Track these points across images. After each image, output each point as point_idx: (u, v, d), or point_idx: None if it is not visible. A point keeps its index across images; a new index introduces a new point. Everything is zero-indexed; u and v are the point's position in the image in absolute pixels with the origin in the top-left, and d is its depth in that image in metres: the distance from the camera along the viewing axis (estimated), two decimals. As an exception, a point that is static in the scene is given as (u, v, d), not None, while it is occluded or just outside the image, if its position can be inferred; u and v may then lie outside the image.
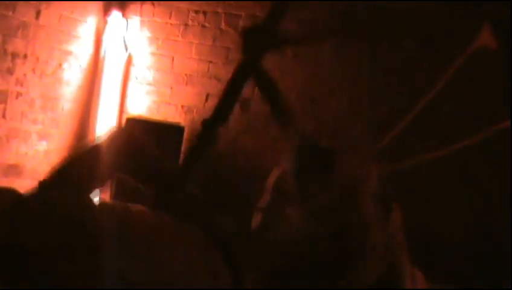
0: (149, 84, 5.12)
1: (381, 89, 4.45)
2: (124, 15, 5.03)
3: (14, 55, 4.30)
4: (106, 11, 4.97)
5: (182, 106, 5.06)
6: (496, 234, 4.47)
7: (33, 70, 4.45)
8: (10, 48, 4.25)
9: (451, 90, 4.39)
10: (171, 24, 5.07)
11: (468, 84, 4.46)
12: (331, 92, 4.80)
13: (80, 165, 2.07)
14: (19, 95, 4.39)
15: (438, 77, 4.33)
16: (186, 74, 5.06)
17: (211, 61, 5.02)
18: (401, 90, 4.56)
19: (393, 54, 4.64)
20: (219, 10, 4.98)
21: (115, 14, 4.98)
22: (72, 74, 4.76)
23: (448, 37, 4.41)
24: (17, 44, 4.29)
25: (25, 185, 2.45)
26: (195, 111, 5.04)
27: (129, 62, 5.05)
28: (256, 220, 2.99)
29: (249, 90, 4.91)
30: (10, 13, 4.18)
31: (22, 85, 4.40)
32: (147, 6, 5.09)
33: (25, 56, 4.37)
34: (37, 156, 4.56)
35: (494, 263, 4.45)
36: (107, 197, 4.62)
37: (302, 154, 2.87)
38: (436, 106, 4.42)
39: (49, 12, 4.47)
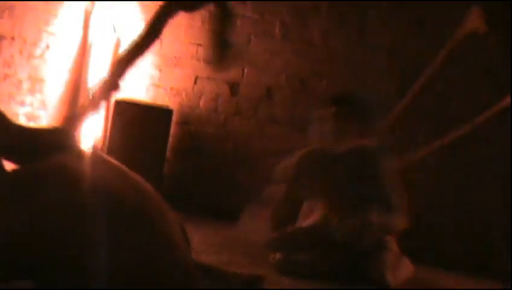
0: (137, 66, 5.08)
1: (371, 70, 4.44)
2: (112, -3, 4.99)
3: (1, 37, 4.26)
4: (94, -7, 4.93)
5: (171, 88, 5.04)
6: (487, 216, 4.49)
7: (20, 52, 4.42)
8: (-3, 31, 4.22)
9: (443, 73, 4.41)
10: (159, 6, 5.03)
11: (460, 65, 4.48)
12: (321, 73, 4.80)
13: None
14: (6, 76, 4.35)
15: (428, 57, 4.34)
16: (175, 57, 5.04)
17: (199, 44, 5.00)
18: (392, 71, 4.57)
19: (383, 34, 4.64)
20: (208, -8, 4.95)
21: (103, -4, 4.94)
22: (60, 56, 4.73)
23: (439, 17, 4.42)
24: (4, 25, 4.25)
25: (12, 165, 2.44)
26: (184, 94, 5.02)
27: (118, 45, 5.02)
28: (273, 191, 3.24)
29: (238, 74, 4.92)
30: (-3, -6, 4.14)
31: (9, 67, 4.36)
32: (135, -12, 5.06)
33: (12, 38, 4.33)
34: (25, 139, 4.52)
35: (485, 245, 4.48)
36: None
37: (339, 106, 3.61)
38: (428, 89, 4.44)
39: (37, -6, 4.43)
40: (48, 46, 4.61)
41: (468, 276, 4.14)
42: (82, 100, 2.54)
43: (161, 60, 5.06)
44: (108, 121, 4.87)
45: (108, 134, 4.82)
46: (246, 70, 4.95)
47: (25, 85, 4.50)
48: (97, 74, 4.93)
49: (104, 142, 4.84)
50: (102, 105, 2.57)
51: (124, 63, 2.64)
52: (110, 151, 4.69)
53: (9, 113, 4.39)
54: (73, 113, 2.51)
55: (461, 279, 4.05)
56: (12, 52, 4.35)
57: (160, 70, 5.08)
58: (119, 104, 4.74)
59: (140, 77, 5.05)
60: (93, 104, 2.55)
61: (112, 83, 2.62)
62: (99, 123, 4.92)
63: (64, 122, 2.55)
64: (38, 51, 4.55)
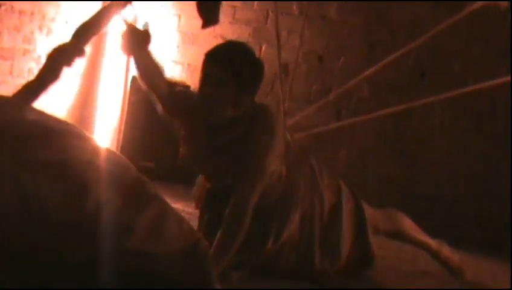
0: (155, 42, 5.10)
1: (389, 49, 4.43)
2: (130, -27, 4.99)
3: (21, 13, 4.29)
4: (112, -31, 4.94)
5: (188, 65, 5.05)
6: (496, 190, 4.50)
7: (40, 27, 4.45)
8: (17, 6, 4.24)
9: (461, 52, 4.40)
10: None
11: (479, 44, 4.46)
12: (338, 50, 4.79)
13: None
14: (26, 52, 4.39)
15: (447, 37, 4.33)
16: (192, 33, 5.05)
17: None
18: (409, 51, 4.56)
19: (402, 13, 4.63)
20: (226, -32, 4.95)
21: (122, -28, 4.94)
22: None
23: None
24: (23, 1, 4.28)
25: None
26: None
27: (135, 21, 5.03)
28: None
29: (255, 51, 4.92)
30: (16, -30, 4.17)
31: (29, 42, 4.40)
32: (153, -36, 5.06)
33: (32, 13, 4.37)
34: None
35: (494, 220, 4.49)
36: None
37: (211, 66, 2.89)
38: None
39: (56, -31, 4.46)
40: (66, 22, 4.64)
41: (485, 258, 4.14)
42: (40, 69, 2.28)
43: (178, 36, 5.08)
44: (125, 98, 4.90)
45: (125, 110, 4.85)
46: (263, 47, 4.95)
47: (44, 60, 4.54)
48: (115, 48, 4.96)
49: (121, 119, 4.88)
50: (63, 73, 2.32)
51: (88, 27, 2.48)
52: (127, 128, 4.73)
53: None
54: (29, 83, 2.28)
55: (478, 261, 4.06)
56: (31, 28, 4.38)
57: (177, 46, 5.10)
58: (136, 80, 4.77)
59: (158, 53, 5.07)
60: (53, 72, 2.33)
61: (76, 48, 2.39)
62: (116, 100, 4.96)
63: (17, 94, 2.31)
64: (56, 27, 4.58)
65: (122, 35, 2.93)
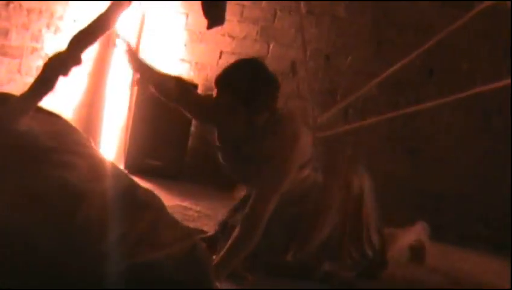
0: (163, 41, 5.11)
1: (396, 48, 4.43)
2: (138, -29, 5.01)
3: (30, 11, 4.30)
4: (120, -33, 4.94)
5: (196, 63, 5.06)
6: (503, 188, 4.49)
7: (48, 25, 4.46)
8: (25, 4, 4.25)
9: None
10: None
11: (488, 44, 4.45)
12: (346, 49, 4.79)
13: None
14: (34, 50, 4.40)
15: (455, 36, 4.31)
16: (200, 32, 5.05)
17: (225, 18, 4.99)
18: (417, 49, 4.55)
19: (409, 12, 4.62)
20: (234, -34, 4.95)
21: (129, -30, 4.95)
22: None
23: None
24: (32, 0, 4.29)
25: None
26: (208, 68, 5.04)
27: (143, 19, 5.04)
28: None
29: (264, 49, 4.92)
30: (25, -32, 4.18)
31: (37, 41, 4.40)
32: (161, -38, 5.07)
33: (40, 11, 4.37)
34: (51, 112, 4.58)
35: (501, 218, 4.47)
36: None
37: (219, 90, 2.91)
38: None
39: (64, -32, 4.46)
40: (74, 20, 4.64)
41: (491, 256, 4.14)
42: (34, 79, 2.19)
43: (186, 34, 5.08)
44: (133, 96, 4.91)
45: (133, 109, 4.86)
46: (271, 46, 4.95)
47: (40, 70, 4.54)
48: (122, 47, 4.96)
49: (128, 117, 4.88)
50: (58, 83, 2.24)
51: (85, 36, 2.39)
52: (135, 126, 4.73)
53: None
54: (23, 94, 2.20)
55: (483, 258, 4.06)
56: (40, 26, 4.39)
57: (185, 45, 5.10)
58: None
59: (166, 52, 5.08)
60: (48, 82, 2.25)
61: (73, 57, 2.29)
62: (124, 98, 4.97)
63: (10, 105, 2.25)
64: (64, 25, 4.58)
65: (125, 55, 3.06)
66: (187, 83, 3.21)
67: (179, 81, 3.21)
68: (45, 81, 2.25)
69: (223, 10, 2.86)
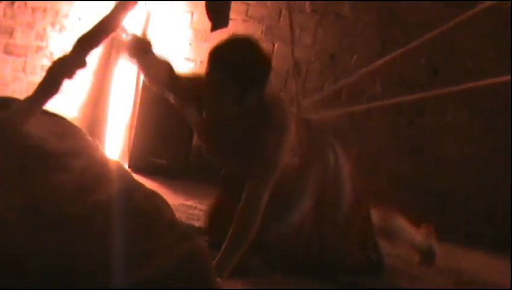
0: (168, 40, 5.11)
1: (401, 47, 4.41)
2: (143, -30, 5.00)
3: (34, 9, 4.31)
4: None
5: (201, 62, 5.05)
6: (508, 187, 4.48)
7: (52, 24, 4.46)
8: (30, 2, 4.25)
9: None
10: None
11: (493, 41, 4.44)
12: (351, 48, 4.78)
13: None
14: (38, 49, 4.40)
15: (459, 34, 4.31)
16: (205, 30, 5.04)
17: (230, 18, 4.98)
18: (422, 48, 4.54)
19: (413, 11, 4.61)
20: (239, -35, 4.95)
21: (134, -31, 4.95)
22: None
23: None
24: (36, -2, 4.30)
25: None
26: (214, 67, 5.04)
27: (148, 18, 5.04)
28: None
29: (268, 48, 4.91)
30: (29, -33, 4.18)
31: (41, 39, 4.41)
32: (166, -39, 5.06)
33: (44, 10, 4.38)
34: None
35: (506, 217, 4.47)
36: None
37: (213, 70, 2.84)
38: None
39: (69, -34, 4.47)
40: (79, 18, 4.65)
41: (496, 255, 4.13)
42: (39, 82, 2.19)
43: (191, 33, 5.08)
44: (137, 95, 4.91)
45: (137, 107, 4.86)
46: (276, 45, 4.94)
47: (44, 73, 4.54)
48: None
49: (133, 116, 4.88)
50: (63, 85, 2.25)
51: (89, 38, 2.38)
52: (139, 125, 4.73)
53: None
54: (28, 98, 2.19)
55: (488, 258, 4.05)
56: (44, 24, 4.40)
57: (190, 44, 5.10)
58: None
59: (171, 50, 5.07)
60: (53, 85, 2.24)
61: (77, 60, 2.28)
62: (128, 97, 4.97)
63: (16, 109, 2.24)
64: (69, 23, 4.59)
65: (124, 44, 2.98)
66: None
67: (168, 65, 3.10)
68: (50, 84, 2.25)
69: (227, 12, 2.84)
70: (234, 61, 2.78)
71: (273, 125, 2.83)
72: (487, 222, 4.54)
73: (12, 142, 2.10)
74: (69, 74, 2.27)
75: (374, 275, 3.21)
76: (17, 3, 4.16)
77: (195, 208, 3.88)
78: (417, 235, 3.50)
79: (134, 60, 3.05)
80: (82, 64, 2.29)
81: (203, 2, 2.92)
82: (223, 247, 2.69)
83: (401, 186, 4.63)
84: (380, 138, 4.74)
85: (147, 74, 3.10)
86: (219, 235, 2.87)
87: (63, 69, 2.27)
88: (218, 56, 2.82)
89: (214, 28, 2.81)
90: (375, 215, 3.32)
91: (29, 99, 2.23)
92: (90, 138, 2.38)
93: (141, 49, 2.99)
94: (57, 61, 2.29)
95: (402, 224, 3.46)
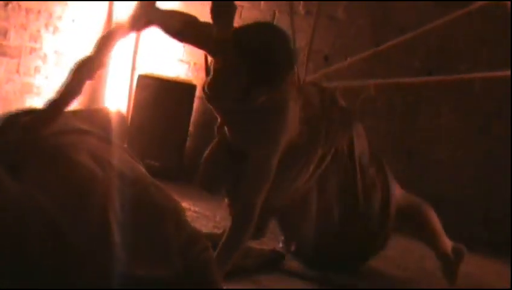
0: (162, 41, 5.11)
1: (396, 49, 4.42)
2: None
3: (28, 11, 4.30)
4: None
5: (195, 64, 5.05)
6: (503, 190, 4.48)
7: (46, 25, 4.46)
8: (24, 4, 4.25)
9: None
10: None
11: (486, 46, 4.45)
12: (345, 50, 4.78)
13: None
14: (32, 50, 4.40)
15: (455, 37, 4.31)
16: (199, 32, 5.04)
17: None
18: (416, 51, 4.55)
19: (408, 13, 4.61)
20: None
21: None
22: (85, 30, 4.76)
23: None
24: (30, 0, 4.29)
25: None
26: (207, 69, 5.03)
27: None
28: None
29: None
30: (23, -32, 4.18)
31: (35, 40, 4.41)
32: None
33: (39, 11, 4.38)
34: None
35: (501, 220, 4.47)
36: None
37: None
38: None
39: (62, -32, 4.46)
40: (73, 20, 4.64)
41: (491, 258, 4.13)
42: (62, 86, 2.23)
43: (185, 35, 5.07)
44: (131, 96, 4.91)
45: (131, 109, 4.86)
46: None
47: (51, 59, 4.55)
48: (121, 48, 4.98)
49: (127, 117, 4.88)
50: (85, 86, 2.29)
51: (107, 40, 2.43)
52: (133, 126, 4.73)
53: (34, 86, 4.46)
54: (52, 101, 2.23)
55: (484, 261, 4.05)
56: (38, 26, 4.39)
57: (184, 45, 5.09)
58: (143, 78, 4.77)
59: (164, 52, 5.07)
60: (76, 87, 2.32)
61: (98, 61, 2.38)
62: (122, 98, 4.96)
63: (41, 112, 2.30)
64: (63, 25, 4.58)
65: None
66: (189, 15, 2.96)
67: (181, 14, 2.96)
68: (73, 86, 2.32)
69: (232, 18, 2.80)
70: (253, 53, 2.60)
71: (275, 128, 2.77)
72: (481, 225, 4.54)
73: (41, 144, 2.14)
74: (91, 76, 2.35)
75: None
76: (11, 4, 4.16)
77: (189, 209, 3.89)
78: (447, 242, 3.37)
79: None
80: (102, 65, 2.40)
81: (197, 4, 2.90)
82: (219, 247, 2.64)
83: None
84: (374, 140, 4.74)
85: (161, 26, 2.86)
86: (211, 183, 2.96)
87: (85, 71, 2.34)
88: (241, 41, 2.64)
89: (218, 33, 2.75)
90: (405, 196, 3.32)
91: (53, 103, 2.28)
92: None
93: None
94: (79, 64, 2.35)
95: (435, 218, 3.39)
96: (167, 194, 2.28)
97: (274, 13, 4.92)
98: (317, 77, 4.21)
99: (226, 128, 3.01)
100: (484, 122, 4.54)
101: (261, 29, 2.72)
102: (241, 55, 2.61)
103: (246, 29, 2.71)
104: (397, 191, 3.30)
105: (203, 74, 5.01)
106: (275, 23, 4.90)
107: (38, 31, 4.41)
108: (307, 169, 3.01)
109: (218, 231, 3.37)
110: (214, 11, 2.75)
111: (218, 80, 2.75)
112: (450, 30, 4.39)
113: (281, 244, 3.29)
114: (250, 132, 2.80)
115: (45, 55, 4.49)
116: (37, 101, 4.48)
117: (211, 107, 2.97)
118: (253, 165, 2.77)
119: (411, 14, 4.60)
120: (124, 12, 4.97)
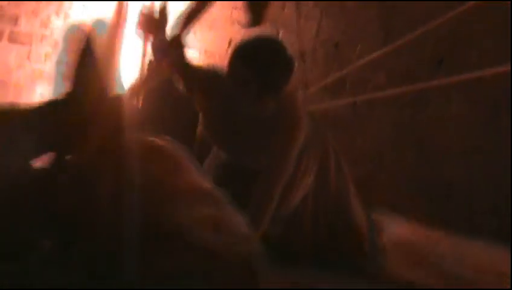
0: (172, 28, 5.10)
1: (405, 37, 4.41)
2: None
3: (39, -2, 4.32)
4: (130, -46, 4.93)
5: (205, 51, 5.05)
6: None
7: (57, 12, 4.46)
8: (34, -10, 4.27)
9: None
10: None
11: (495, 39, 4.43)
12: (355, 38, 4.77)
13: None
14: (43, 37, 4.41)
15: (462, 28, 4.30)
16: (209, 19, 5.04)
17: (234, 7, 4.99)
18: (425, 41, 4.53)
19: (416, 2, 4.60)
20: (243, -45, 4.93)
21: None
22: (97, 16, 4.76)
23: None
24: (41, -14, 4.30)
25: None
26: (217, 56, 5.04)
27: (152, 7, 5.03)
28: None
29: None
30: (34, -45, 4.18)
31: (46, 27, 4.41)
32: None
33: (49, -2, 4.39)
34: (61, 99, 4.59)
35: (510, 209, 4.47)
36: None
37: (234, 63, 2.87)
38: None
39: (73, -46, 4.46)
40: (83, 6, 4.64)
41: (500, 246, 4.13)
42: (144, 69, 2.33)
43: (195, 22, 5.07)
44: (141, 83, 4.90)
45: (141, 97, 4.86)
46: (280, 33, 4.94)
47: (62, 45, 4.55)
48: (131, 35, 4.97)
49: (137, 103, 4.89)
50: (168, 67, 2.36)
51: (187, 18, 2.54)
52: (144, 111, 4.73)
53: (45, 73, 4.47)
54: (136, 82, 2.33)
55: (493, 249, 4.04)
56: (48, 13, 4.40)
57: (194, 32, 5.09)
58: (152, 66, 4.76)
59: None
60: (158, 69, 2.42)
61: (177, 40, 2.50)
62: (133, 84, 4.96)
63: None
64: (74, 12, 4.59)
65: (140, 17, 2.98)
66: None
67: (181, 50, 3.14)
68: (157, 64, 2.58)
69: (265, 12, 2.92)
70: (258, 60, 2.78)
71: (287, 123, 2.84)
72: (491, 213, 4.54)
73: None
74: (170, 54, 2.52)
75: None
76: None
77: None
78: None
79: (147, 36, 3.03)
80: (182, 44, 2.52)
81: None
82: None
83: (405, 177, 4.63)
84: (384, 129, 4.74)
85: (157, 55, 3.14)
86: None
87: (167, 49, 2.58)
88: (242, 53, 2.82)
89: (251, 25, 2.90)
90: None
91: (140, 80, 2.35)
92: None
93: (156, 24, 2.98)
94: (161, 43, 2.58)
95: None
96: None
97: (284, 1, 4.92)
98: (318, 88, 4.22)
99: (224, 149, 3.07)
100: (494, 110, 4.52)
101: (259, 39, 2.90)
102: (246, 64, 2.78)
103: (248, 43, 2.87)
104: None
105: (213, 61, 5.05)
106: (285, 10, 4.90)
107: (49, 17, 4.42)
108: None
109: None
110: (249, 7, 2.88)
111: (230, 98, 2.88)
112: (460, 17, 4.37)
113: None
114: (266, 145, 2.86)
115: (56, 42, 4.50)
116: (48, 88, 4.50)
117: (217, 143, 3.07)
118: (272, 164, 2.82)
119: (419, 3, 4.59)
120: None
